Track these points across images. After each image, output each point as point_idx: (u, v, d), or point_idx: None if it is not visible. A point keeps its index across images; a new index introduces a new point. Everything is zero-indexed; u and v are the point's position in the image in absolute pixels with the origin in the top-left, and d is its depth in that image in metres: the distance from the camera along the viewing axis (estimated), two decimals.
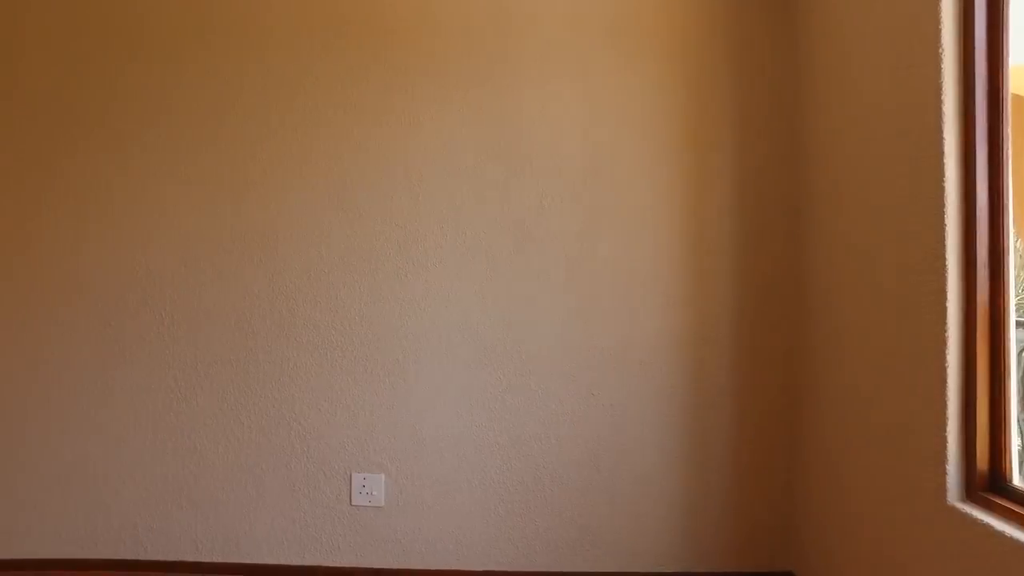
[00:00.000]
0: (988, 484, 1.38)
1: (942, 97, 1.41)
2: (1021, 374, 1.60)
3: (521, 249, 2.11)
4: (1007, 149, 1.38)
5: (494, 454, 2.13)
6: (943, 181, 1.40)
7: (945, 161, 1.40)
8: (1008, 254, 1.39)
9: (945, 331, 1.40)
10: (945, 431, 1.40)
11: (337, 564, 2.15)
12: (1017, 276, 1.56)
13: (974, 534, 1.30)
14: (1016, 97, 1.43)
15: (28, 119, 2.18)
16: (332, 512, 2.15)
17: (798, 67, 2.08)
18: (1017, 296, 1.52)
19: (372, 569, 2.14)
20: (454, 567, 2.13)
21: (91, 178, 2.17)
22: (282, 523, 2.16)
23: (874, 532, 1.65)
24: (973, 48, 1.40)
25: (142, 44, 2.16)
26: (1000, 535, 1.23)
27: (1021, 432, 1.50)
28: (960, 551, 1.33)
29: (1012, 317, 1.39)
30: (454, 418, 2.13)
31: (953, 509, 1.37)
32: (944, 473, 1.40)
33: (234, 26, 2.15)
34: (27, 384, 2.19)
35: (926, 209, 1.45)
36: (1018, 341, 1.46)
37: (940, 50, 1.41)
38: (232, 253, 2.14)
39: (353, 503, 2.14)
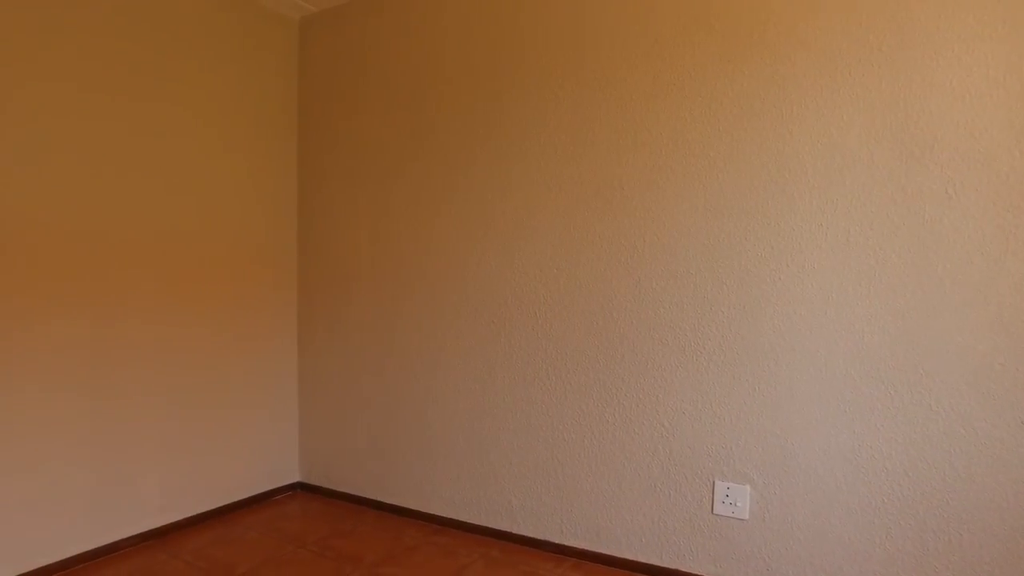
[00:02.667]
0: None
1: None
2: None
3: (920, 248, 1.81)
4: None
5: (880, 480, 1.87)
6: None
7: None
8: None
9: None
10: None
11: (695, 572, 2.13)
12: None
13: None
14: None
15: (435, 141, 2.66)
16: (692, 518, 2.13)
17: None
18: None
19: None
20: None
21: (481, 191, 2.55)
22: (640, 521, 2.22)
23: None
24: None
25: (522, 67, 2.45)
26: None
27: None
28: None
29: None
30: (832, 433, 1.93)
31: None
32: None
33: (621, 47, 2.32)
34: (433, 375, 2.67)
35: None
36: None
37: None
38: (599, 258, 2.28)
39: (715, 512, 2.09)
